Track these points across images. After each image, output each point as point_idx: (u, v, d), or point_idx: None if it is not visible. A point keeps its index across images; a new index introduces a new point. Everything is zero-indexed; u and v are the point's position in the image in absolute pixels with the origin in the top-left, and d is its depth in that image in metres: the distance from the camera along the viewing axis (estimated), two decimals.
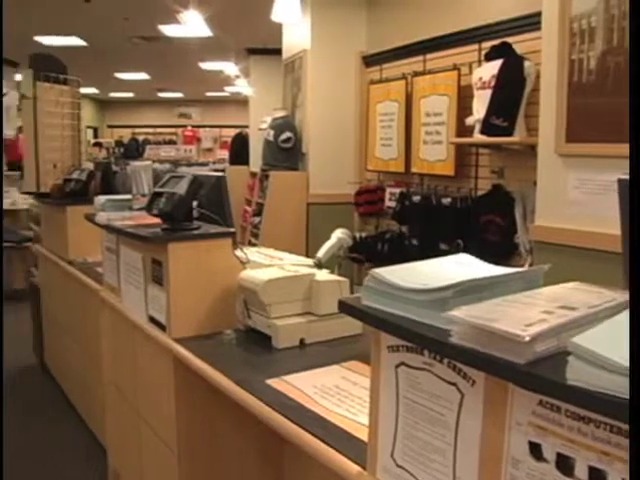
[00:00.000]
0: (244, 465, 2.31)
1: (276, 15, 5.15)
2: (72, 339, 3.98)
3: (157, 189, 2.36)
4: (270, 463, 2.33)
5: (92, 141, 17.72)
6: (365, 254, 5.22)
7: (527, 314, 0.99)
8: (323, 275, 2.26)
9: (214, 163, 10.53)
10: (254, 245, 2.81)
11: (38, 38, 9.97)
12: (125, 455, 3.00)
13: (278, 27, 6.67)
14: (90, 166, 4.40)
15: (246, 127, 10.79)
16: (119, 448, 3.08)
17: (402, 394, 1.18)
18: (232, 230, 2.37)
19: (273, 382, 1.81)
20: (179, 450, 2.26)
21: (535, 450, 0.94)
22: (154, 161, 9.10)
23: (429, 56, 4.83)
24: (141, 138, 19.97)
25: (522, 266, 3.28)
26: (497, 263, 1.28)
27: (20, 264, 7.19)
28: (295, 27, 6.16)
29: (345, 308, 1.25)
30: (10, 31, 9.44)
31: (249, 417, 1.82)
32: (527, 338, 0.88)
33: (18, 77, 12.05)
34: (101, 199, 3.09)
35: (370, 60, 5.70)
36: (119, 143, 19.09)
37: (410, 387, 1.16)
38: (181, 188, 2.25)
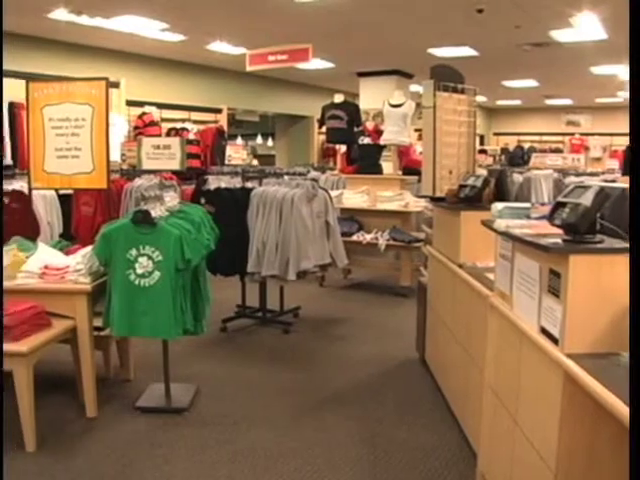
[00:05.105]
0: None
1: None
2: (454, 340, 4.06)
3: (561, 199, 2.31)
4: None
5: (477, 148, 18.13)
6: None
7: None
8: None
9: (603, 173, 10.00)
10: None
11: (431, 50, 10.52)
12: (495, 463, 2.99)
13: None
14: (484, 173, 4.48)
15: None
16: (490, 454, 3.08)
17: None
18: None
19: None
20: (557, 468, 2.19)
21: None
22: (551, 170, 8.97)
23: None
24: (526, 146, 19.87)
25: None
26: None
27: (408, 263, 7.66)
28: None
29: None
30: (406, 45, 10.15)
31: None
32: None
33: (412, 88, 12.89)
34: (498, 206, 3.08)
35: None
36: (504, 150, 19.25)
37: None
38: (586, 199, 2.18)
